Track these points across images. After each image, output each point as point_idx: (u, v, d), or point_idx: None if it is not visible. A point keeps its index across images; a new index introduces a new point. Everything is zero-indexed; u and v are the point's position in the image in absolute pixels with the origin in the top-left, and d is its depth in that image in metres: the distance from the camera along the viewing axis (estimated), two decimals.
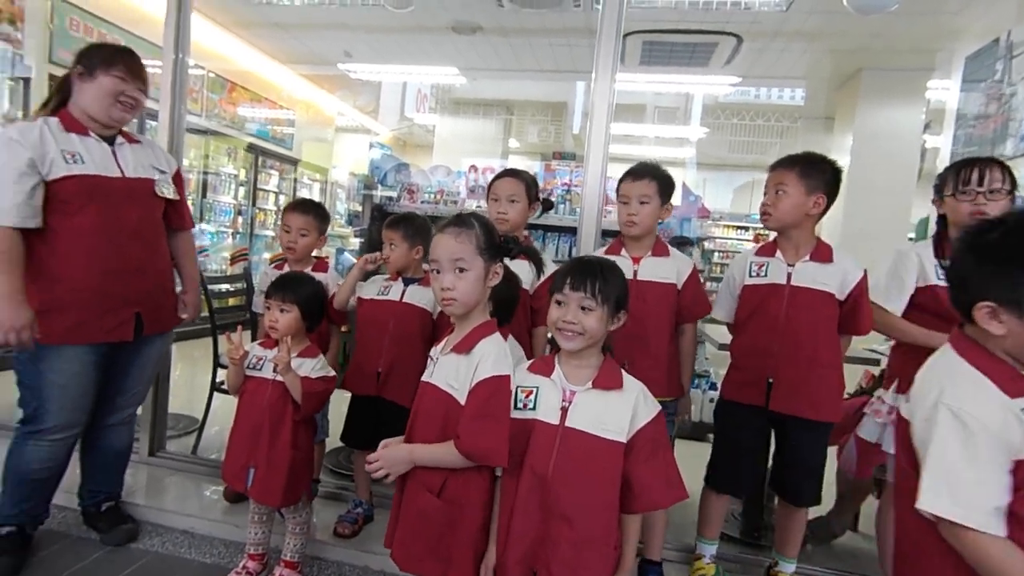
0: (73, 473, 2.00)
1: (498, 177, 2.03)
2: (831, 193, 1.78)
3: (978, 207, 1.69)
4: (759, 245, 1.94)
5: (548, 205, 2.15)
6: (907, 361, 1.83)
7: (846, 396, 2.53)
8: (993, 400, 0.91)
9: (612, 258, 1.83)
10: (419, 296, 1.96)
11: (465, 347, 1.29)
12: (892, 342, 2.00)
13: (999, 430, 0.89)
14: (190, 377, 3.92)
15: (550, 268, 1.91)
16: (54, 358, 1.79)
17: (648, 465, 1.24)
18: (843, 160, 5.32)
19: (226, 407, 2.04)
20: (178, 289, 2.14)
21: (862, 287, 1.78)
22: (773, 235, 1.89)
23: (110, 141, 1.88)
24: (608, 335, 1.31)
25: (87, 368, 1.84)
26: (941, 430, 0.92)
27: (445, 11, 4.97)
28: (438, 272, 1.29)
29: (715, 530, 1.99)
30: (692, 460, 1.97)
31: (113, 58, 1.83)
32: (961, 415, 0.91)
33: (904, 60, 4.94)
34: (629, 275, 1.83)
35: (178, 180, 2.09)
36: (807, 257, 1.80)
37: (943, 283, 1.75)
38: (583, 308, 1.25)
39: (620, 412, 1.24)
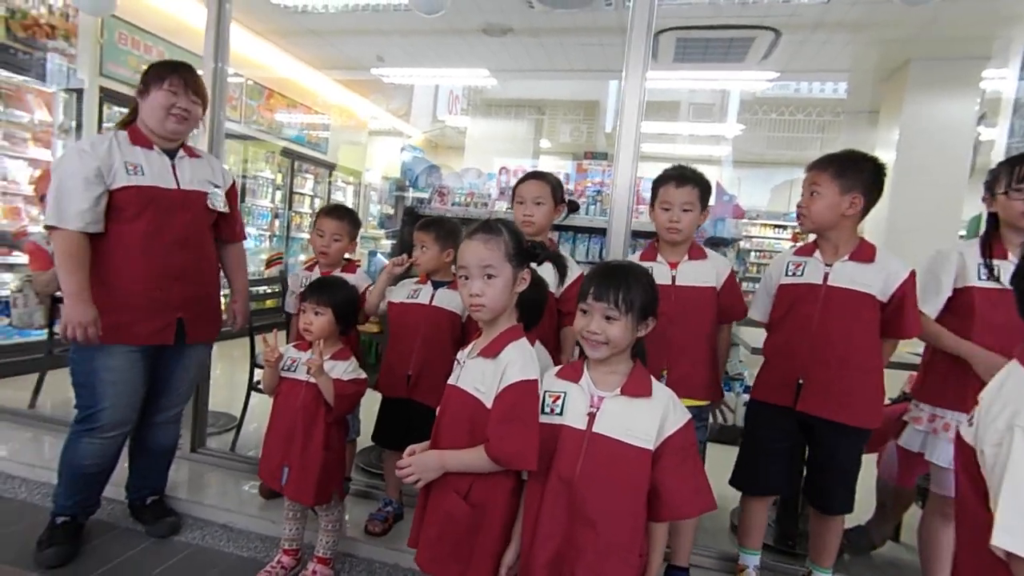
0: (122, 468, 2.09)
1: (523, 180, 2.03)
2: (871, 192, 1.71)
3: None
4: (799, 245, 1.90)
5: (574, 207, 2.14)
6: (935, 367, 1.79)
7: (888, 401, 2.45)
8: None
9: (648, 264, 1.83)
10: (448, 299, 1.97)
11: (492, 351, 1.29)
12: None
13: None
14: (230, 376, 4.03)
15: (575, 271, 1.91)
16: (106, 357, 1.88)
17: (676, 474, 1.22)
18: (889, 155, 5.12)
19: (263, 405, 2.10)
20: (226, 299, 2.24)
21: (907, 289, 1.70)
22: (813, 235, 1.85)
23: (172, 154, 1.98)
24: (640, 340, 1.29)
25: (135, 367, 1.94)
26: (1017, 457, 0.83)
27: (476, 14, 4.99)
28: (466, 278, 1.30)
29: (757, 540, 1.95)
30: (724, 465, 1.94)
31: (164, 73, 1.92)
32: None
33: (957, 49, 4.70)
34: (667, 281, 1.85)
35: (232, 194, 2.17)
36: (846, 257, 1.75)
37: (983, 284, 1.68)
38: (607, 317, 1.24)
39: (648, 419, 1.23)
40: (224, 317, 2.23)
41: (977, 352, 1.65)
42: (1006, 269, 1.64)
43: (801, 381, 1.74)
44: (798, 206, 1.81)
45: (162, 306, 1.93)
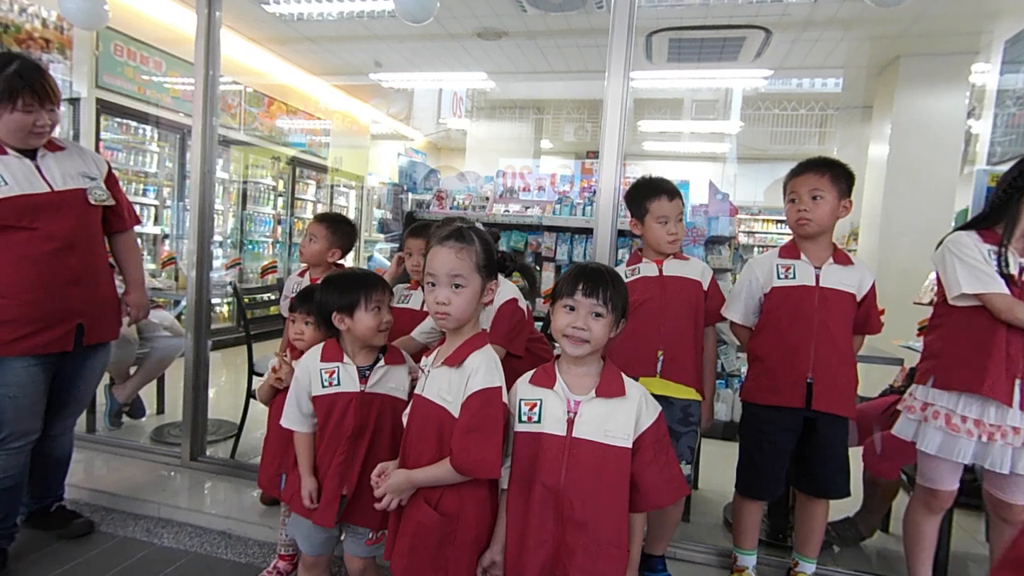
0: None
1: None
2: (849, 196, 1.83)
3: None
4: (778, 247, 1.93)
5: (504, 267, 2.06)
6: (946, 353, 1.72)
7: (876, 395, 2.46)
8: None
9: (635, 265, 1.96)
10: None
11: (456, 360, 1.28)
12: (924, 336, 1.92)
13: None
14: (234, 383, 4.06)
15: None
16: (3, 372, 1.82)
17: (652, 466, 1.25)
18: (882, 150, 5.12)
19: (264, 413, 2.12)
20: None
21: (874, 290, 1.85)
22: (790, 237, 1.91)
23: (31, 154, 1.86)
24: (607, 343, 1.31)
25: (35, 378, 1.87)
26: None
27: (470, 19, 5.02)
28: (433, 285, 1.28)
29: (753, 540, 1.98)
30: (723, 460, 1.97)
31: (14, 91, 1.75)
32: None
33: (945, 44, 4.71)
34: (654, 273, 1.93)
35: (111, 181, 2.06)
36: (830, 260, 1.83)
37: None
38: (596, 315, 1.25)
39: (624, 418, 1.24)
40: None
41: None
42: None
43: (811, 380, 1.78)
44: (800, 211, 1.80)
45: (61, 314, 1.87)
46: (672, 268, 1.94)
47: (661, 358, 1.86)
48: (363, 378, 1.54)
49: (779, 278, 1.86)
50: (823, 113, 6.95)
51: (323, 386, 1.53)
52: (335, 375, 1.53)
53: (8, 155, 1.82)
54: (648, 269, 1.94)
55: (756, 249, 9.25)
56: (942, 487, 1.75)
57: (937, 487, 1.75)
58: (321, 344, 1.58)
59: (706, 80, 6.37)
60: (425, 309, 1.98)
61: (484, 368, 1.25)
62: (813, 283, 1.81)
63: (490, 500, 1.31)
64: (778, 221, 9.67)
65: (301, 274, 2.35)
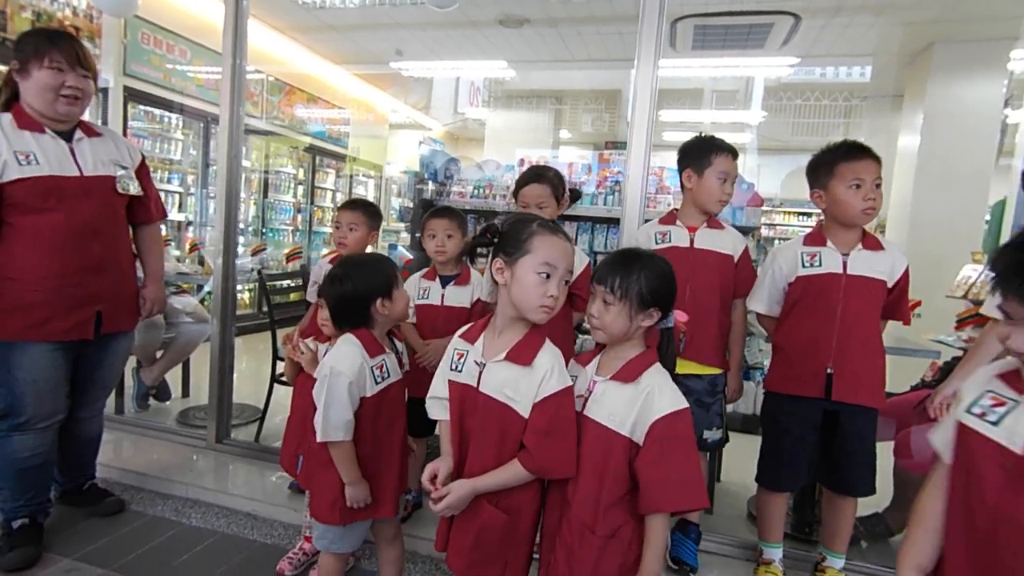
0: None
1: (523, 183, 1.98)
2: None
3: None
4: (804, 235, 1.89)
5: (576, 195, 2.10)
6: None
7: (907, 389, 2.41)
8: None
9: (667, 228, 1.95)
10: (458, 296, 1.99)
11: (525, 359, 1.22)
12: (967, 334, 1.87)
13: None
14: (256, 369, 4.11)
15: (583, 260, 1.93)
16: (19, 355, 1.79)
17: (657, 465, 1.16)
18: (913, 140, 5.01)
19: (287, 397, 2.14)
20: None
21: (907, 276, 1.80)
22: (815, 224, 1.87)
23: (68, 136, 1.83)
24: (666, 333, 1.26)
25: (56, 363, 1.86)
26: None
27: (492, 5, 4.99)
28: (547, 276, 1.20)
29: (779, 533, 1.95)
30: (745, 453, 1.95)
31: (43, 48, 1.72)
32: None
33: (983, 29, 4.58)
34: (685, 243, 1.92)
35: (143, 172, 2.05)
36: (860, 246, 1.77)
37: None
38: (604, 302, 1.23)
39: (627, 406, 1.20)
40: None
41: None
42: None
43: (831, 370, 1.75)
44: (870, 199, 1.71)
45: (79, 300, 1.84)
46: (704, 240, 1.92)
47: (683, 339, 1.84)
48: (400, 363, 1.56)
49: (804, 266, 1.81)
50: (847, 104, 6.82)
51: (376, 383, 1.47)
52: (384, 368, 1.49)
53: (45, 134, 1.80)
54: (679, 237, 1.92)
55: (776, 242, 9.14)
56: None
57: None
58: (350, 341, 1.48)
59: (731, 68, 6.26)
60: (447, 303, 1.98)
61: (557, 370, 1.22)
62: (840, 270, 1.76)
63: (540, 486, 1.30)
64: (800, 213, 9.52)
65: (332, 261, 2.35)
